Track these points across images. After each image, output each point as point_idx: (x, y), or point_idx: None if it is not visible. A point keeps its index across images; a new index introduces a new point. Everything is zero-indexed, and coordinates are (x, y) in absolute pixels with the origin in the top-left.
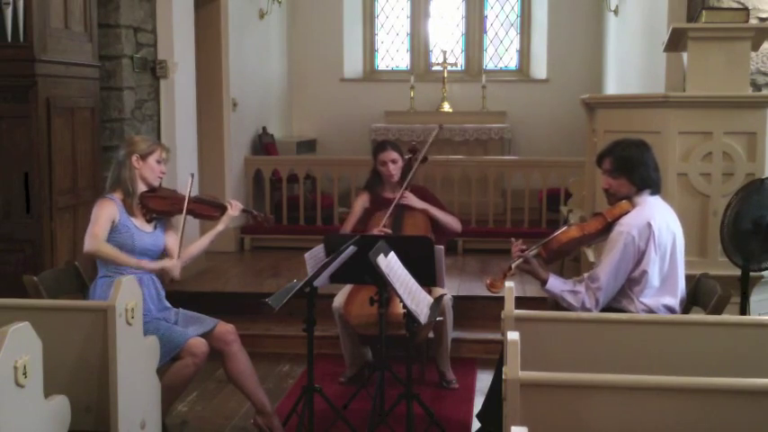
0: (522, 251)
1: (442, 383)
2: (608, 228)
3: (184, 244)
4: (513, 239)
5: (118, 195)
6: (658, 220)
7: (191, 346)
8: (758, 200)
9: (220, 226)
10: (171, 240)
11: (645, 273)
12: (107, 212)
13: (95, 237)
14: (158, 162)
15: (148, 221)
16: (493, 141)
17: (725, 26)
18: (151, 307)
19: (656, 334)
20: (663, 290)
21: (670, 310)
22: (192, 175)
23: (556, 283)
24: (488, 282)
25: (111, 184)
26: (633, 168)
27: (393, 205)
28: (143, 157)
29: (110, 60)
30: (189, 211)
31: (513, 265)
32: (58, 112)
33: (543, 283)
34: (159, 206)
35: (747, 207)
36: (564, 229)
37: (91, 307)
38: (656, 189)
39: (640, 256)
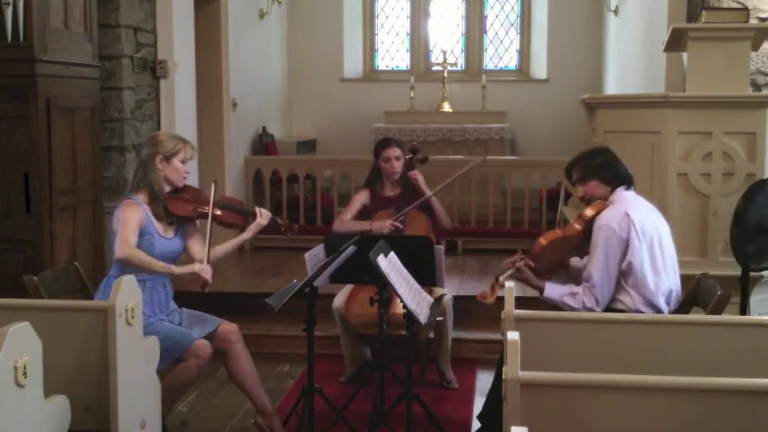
0: (513, 263)
1: (442, 383)
2: (590, 228)
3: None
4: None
5: (143, 198)
6: (637, 211)
7: (195, 349)
8: (760, 200)
9: (247, 234)
10: (195, 246)
11: (635, 261)
12: (136, 216)
13: (126, 242)
14: (183, 162)
15: (169, 224)
16: (493, 141)
17: (725, 26)
18: (157, 310)
19: (656, 334)
20: (657, 278)
21: (666, 299)
22: (215, 182)
23: (553, 289)
24: (479, 294)
25: (135, 185)
26: (599, 169)
27: (420, 201)
28: (167, 159)
29: (110, 60)
30: (213, 218)
31: (500, 277)
32: (58, 112)
33: (540, 291)
34: (181, 211)
35: (750, 207)
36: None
37: (91, 307)
38: (628, 183)
39: (625, 247)
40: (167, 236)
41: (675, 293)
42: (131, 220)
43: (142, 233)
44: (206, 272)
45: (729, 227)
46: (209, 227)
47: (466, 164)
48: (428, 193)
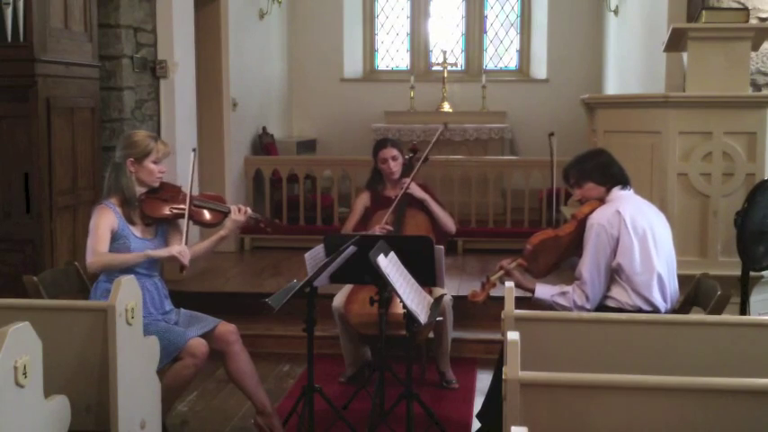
0: (505, 264)
1: (442, 383)
2: (584, 227)
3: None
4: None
5: (115, 202)
6: (629, 209)
7: (191, 347)
8: (762, 201)
9: (224, 232)
10: (176, 243)
11: (626, 259)
12: (105, 221)
13: (95, 252)
14: (155, 162)
15: (147, 225)
16: (493, 141)
17: (725, 26)
18: (152, 310)
19: (656, 334)
20: (651, 275)
21: (662, 295)
22: (194, 151)
23: (544, 290)
24: (470, 293)
25: (107, 190)
26: (593, 171)
27: (397, 198)
28: (138, 161)
29: (110, 60)
30: (190, 216)
31: (491, 277)
32: (57, 112)
33: (532, 293)
34: (157, 212)
35: (754, 208)
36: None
37: (91, 307)
38: (624, 183)
39: (616, 244)
40: (146, 237)
41: (672, 292)
42: (102, 228)
43: (116, 237)
44: (184, 255)
45: (730, 228)
46: (185, 227)
47: (460, 161)
48: (422, 195)
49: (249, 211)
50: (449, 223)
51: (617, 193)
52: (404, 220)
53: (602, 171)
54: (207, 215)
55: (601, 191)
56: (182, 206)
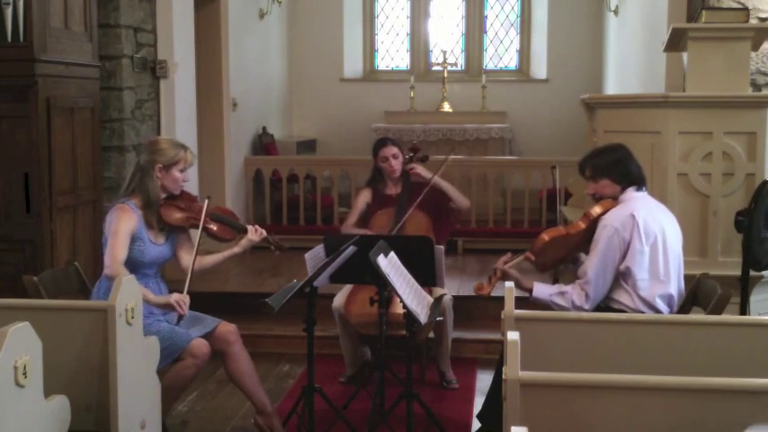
0: (507, 260)
1: (443, 383)
2: (594, 226)
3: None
4: (509, 253)
5: (136, 203)
6: (642, 213)
7: (192, 348)
8: (766, 200)
9: (238, 249)
10: (184, 254)
11: (634, 264)
12: (127, 225)
13: (115, 259)
14: (182, 171)
15: (160, 230)
16: (493, 141)
17: (725, 26)
18: (154, 310)
19: (656, 334)
20: (657, 281)
21: (668, 301)
22: (209, 198)
23: (542, 290)
24: (475, 285)
25: (130, 189)
26: (611, 167)
27: (422, 196)
28: (166, 168)
29: (110, 60)
30: (204, 229)
31: (498, 270)
32: (57, 112)
33: (529, 292)
34: (173, 219)
35: (759, 208)
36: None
37: (91, 307)
38: (640, 183)
39: (626, 248)
40: (158, 242)
41: (678, 297)
42: (123, 231)
43: (134, 239)
44: (182, 304)
45: (730, 228)
46: (197, 243)
47: (460, 161)
48: (428, 175)
49: (264, 233)
50: (462, 200)
51: (631, 193)
52: (404, 224)
53: (621, 169)
54: (223, 230)
55: (616, 189)
56: (197, 219)
